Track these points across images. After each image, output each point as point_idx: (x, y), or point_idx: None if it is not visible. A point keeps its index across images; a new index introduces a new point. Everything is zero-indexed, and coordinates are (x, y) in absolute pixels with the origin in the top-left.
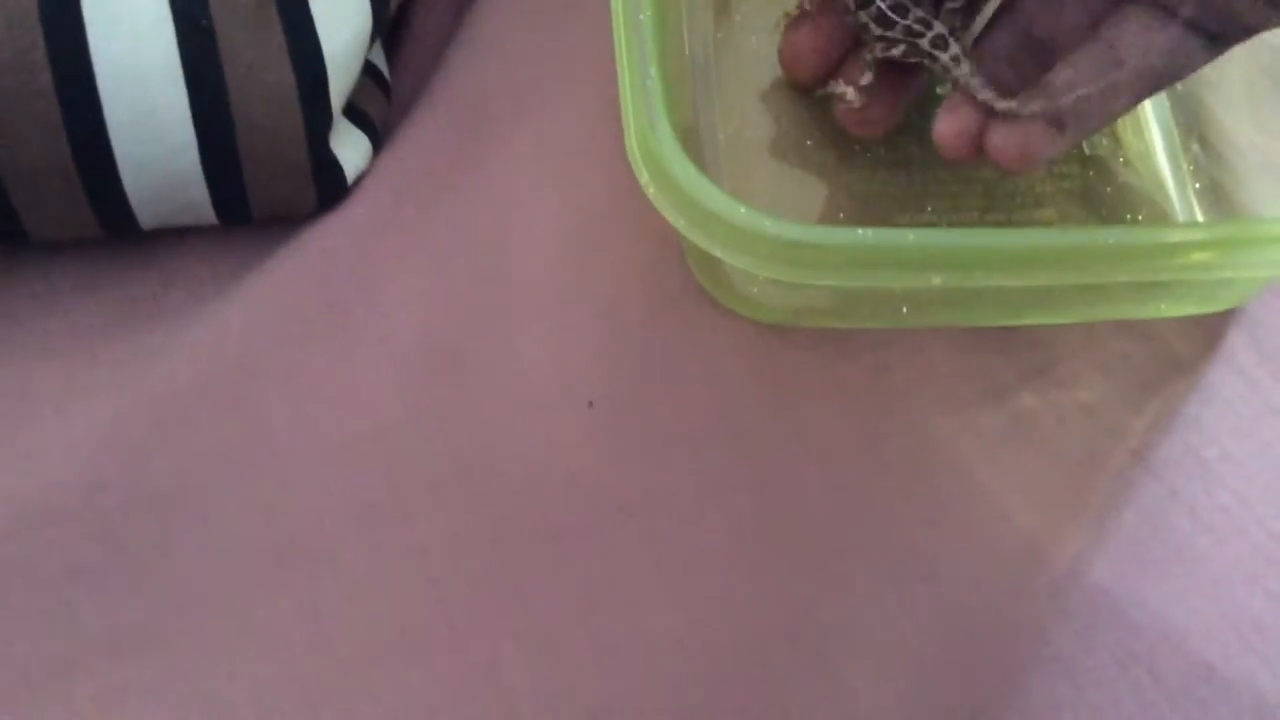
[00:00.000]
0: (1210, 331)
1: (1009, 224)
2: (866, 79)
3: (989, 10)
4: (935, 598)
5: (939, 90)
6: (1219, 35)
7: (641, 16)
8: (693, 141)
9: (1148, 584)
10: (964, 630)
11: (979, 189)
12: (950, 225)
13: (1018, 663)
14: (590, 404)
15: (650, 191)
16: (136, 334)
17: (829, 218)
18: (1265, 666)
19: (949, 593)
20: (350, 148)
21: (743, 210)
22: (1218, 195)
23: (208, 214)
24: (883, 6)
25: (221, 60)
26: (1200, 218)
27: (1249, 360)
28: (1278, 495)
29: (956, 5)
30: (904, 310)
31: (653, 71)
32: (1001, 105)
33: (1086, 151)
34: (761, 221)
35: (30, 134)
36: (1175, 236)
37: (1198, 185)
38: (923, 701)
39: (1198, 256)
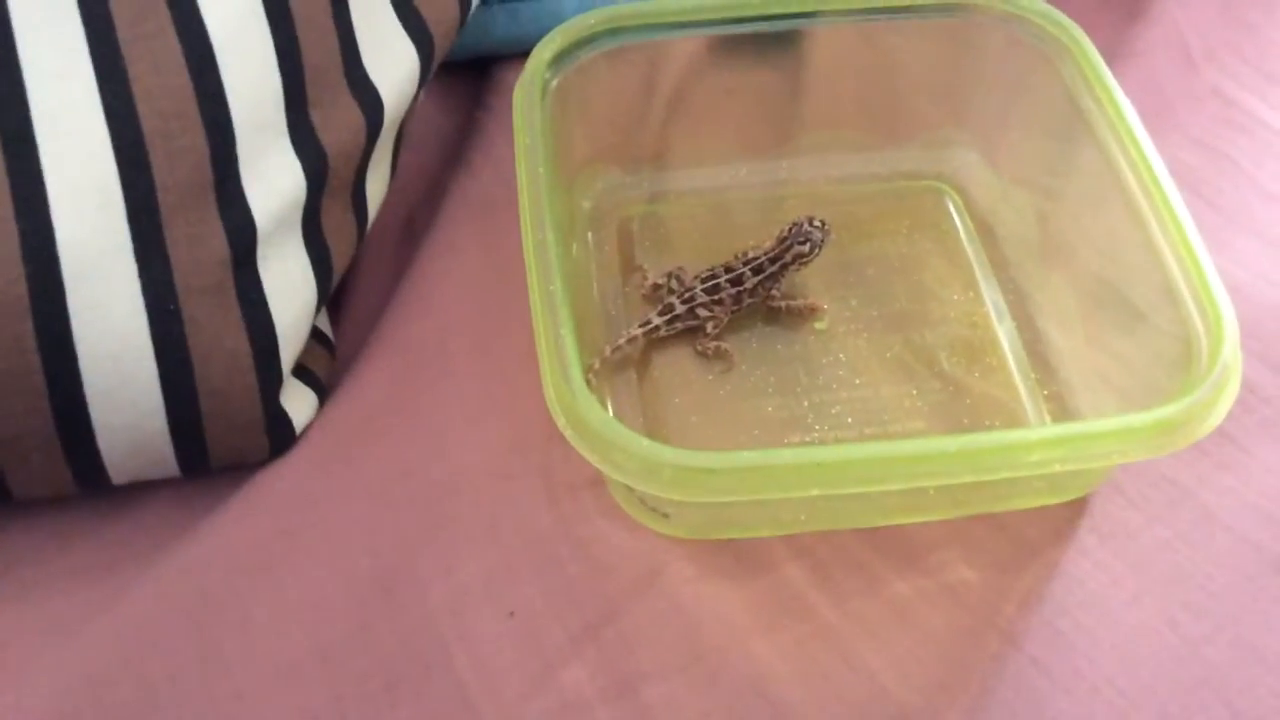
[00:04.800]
0: (1057, 520)
1: (884, 436)
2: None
3: None
4: None
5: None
6: None
7: (552, 287)
8: (607, 379)
9: None
10: None
11: (857, 408)
12: (835, 440)
13: None
14: (511, 614)
15: (568, 434)
16: (109, 575)
17: (733, 439)
18: None
19: None
20: (298, 401)
21: (645, 443)
22: (1063, 402)
23: (172, 468)
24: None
25: (187, 337)
26: (1048, 420)
27: (1091, 542)
28: (1123, 656)
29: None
30: (801, 517)
31: (564, 333)
32: None
33: (946, 369)
34: (662, 453)
35: (19, 407)
36: (1020, 437)
37: (1046, 393)
38: None
39: (1041, 455)
